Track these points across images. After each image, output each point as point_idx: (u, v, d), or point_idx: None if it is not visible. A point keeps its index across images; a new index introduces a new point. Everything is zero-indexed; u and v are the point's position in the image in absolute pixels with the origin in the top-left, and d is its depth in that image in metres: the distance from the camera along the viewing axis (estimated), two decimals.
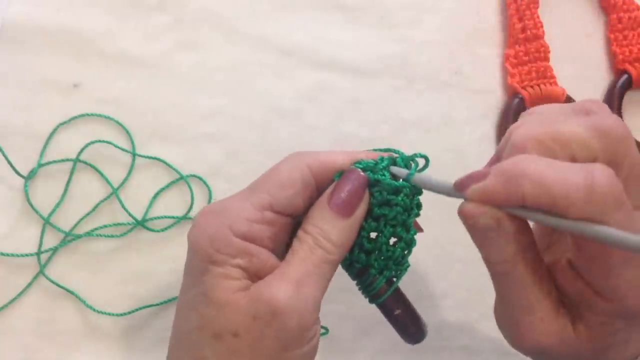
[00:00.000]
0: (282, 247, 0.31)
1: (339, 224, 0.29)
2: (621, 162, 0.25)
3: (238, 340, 0.27)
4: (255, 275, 0.28)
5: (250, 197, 0.29)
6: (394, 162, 0.31)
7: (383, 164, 0.31)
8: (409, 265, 0.33)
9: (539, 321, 0.27)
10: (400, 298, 0.33)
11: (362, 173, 0.30)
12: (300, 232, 0.29)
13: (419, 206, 0.32)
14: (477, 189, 0.25)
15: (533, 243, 0.27)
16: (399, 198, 0.30)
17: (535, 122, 0.26)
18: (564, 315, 0.27)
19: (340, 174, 0.30)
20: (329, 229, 0.29)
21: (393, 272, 0.32)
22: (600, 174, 0.23)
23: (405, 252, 0.32)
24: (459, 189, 0.26)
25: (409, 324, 0.33)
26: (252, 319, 0.27)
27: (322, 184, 0.30)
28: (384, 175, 0.30)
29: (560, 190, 0.23)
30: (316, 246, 0.28)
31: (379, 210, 0.31)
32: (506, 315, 0.28)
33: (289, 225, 0.31)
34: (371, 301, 0.33)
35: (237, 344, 0.27)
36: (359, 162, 0.31)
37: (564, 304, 0.28)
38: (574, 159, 0.25)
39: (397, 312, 0.32)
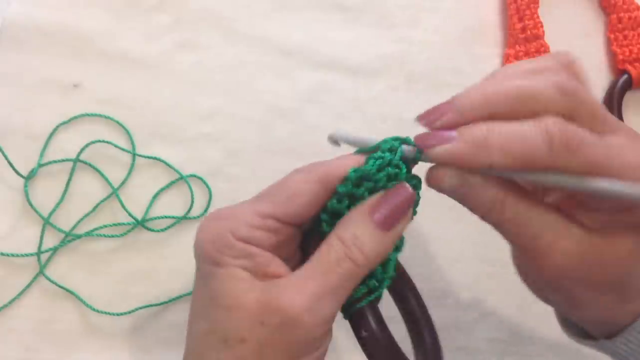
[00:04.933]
0: (288, 257, 0.30)
1: (377, 236, 0.27)
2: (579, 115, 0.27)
3: (244, 347, 0.26)
4: (263, 276, 0.27)
5: (254, 204, 0.28)
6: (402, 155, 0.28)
7: (398, 157, 0.28)
8: (393, 275, 0.29)
9: (553, 241, 0.27)
10: (375, 318, 0.28)
11: (410, 189, 0.28)
12: (331, 237, 0.27)
13: (416, 204, 0.29)
14: (444, 150, 0.26)
15: (508, 181, 0.27)
16: None
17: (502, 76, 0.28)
18: (577, 227, 0.27)
19: (354, 170, 0.28)
20: (365, 240, 0.27)
21: (376, 282, 0.29)
22: (555, 124, 0.25)
23: (392, 257, 0.29)
24: (421, 143, 0.27)
25: (374, 353, 0.28)
26: (259, 325, 0.26)
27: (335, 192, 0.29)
28: (400, 169, 0.28)
29: (526, 150, 0.25)
30: (346, 257, 0.26)
31: None
32: (523, 257, 0.28)
33: (296, 236, 0.30)
34: (345, 315, 0.29)
35: (243, 350, 0.26)
36: (373, 158, 0.28)
37: (574, 220, 0.27)
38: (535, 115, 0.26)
39: (364, 334, 0.28)
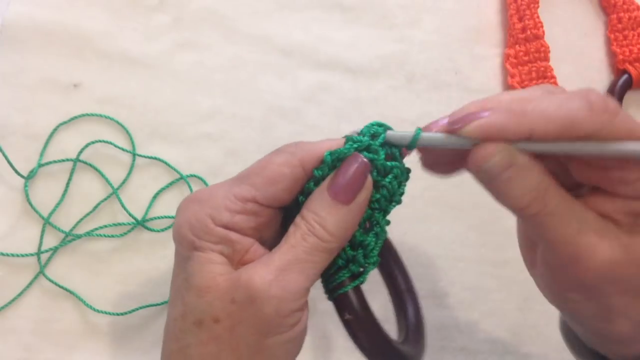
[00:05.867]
0: (272, 236, 0.30)
1: (336, 210, 0.27)
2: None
3: (218, 326, 0.27)
4: (240, 263, 0.28)
5: (234, 187, 0.28)
6: (387, 139, 0.29)
7: (378, 142, 0.28)
8: (377, 260, 0.30)
9: (597, 237, 0.25)
10: (358, 302, 0.28)
11: (364, 159, 0.28)
12: (297, 217, 0.28)
13: (401, 194, 0.30)
14: (481, 124, 0.24)
15: (549, 172, 0.26)
16: (387, 180, 0.28)
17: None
18: (615, 226, 0.26)
19: (329, 153, 0.28)
20: (325, 216, 0.27)
21: (360, 267, 0.29)
22: (593, 93, 0.24)
23: (377, 243, 0.29)
24: (454, 124, 0.25)
25: (358, 334, 0.28)
26: (230, 302, 0.26)
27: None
28: (378, 155, 0.28)
29: (566, 113, 0.24)
30: (309, 233, 0.27)
31: None
32: (558, 258, 0.27)
33: (278, 215, 0.30)
34: (329, 297, 0.29)
35: (217, 329, 0.27)
36: (351, 140, 0.28)
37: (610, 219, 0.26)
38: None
39: (348, 317, 0.28)
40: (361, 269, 0.29)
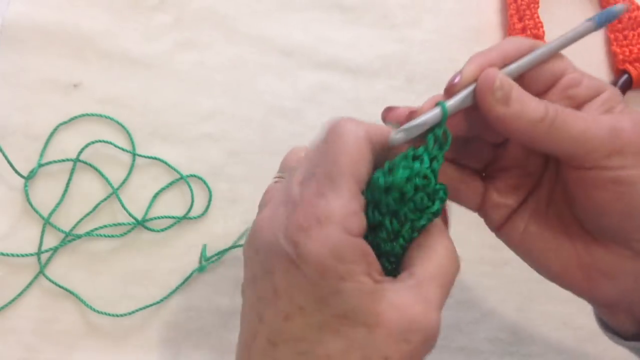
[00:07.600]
0: None
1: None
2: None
3: None
4: (374, 279, 0.26)
5: (336, 186, 0.26)
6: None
7: (427, 167, 0.27)
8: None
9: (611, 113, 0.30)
10: None
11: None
12: (441, 250, 0.29)
13: (439, 212, 0.29)
14: (472, 63, 0.28)
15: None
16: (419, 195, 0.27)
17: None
18: None
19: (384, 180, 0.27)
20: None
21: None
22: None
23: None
24: (452, 82, 0.29)
25: None
26: (404, 342, 0.26)
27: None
28: (429, 180, 0.27)
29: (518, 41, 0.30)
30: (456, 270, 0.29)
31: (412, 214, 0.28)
32: (598, 139, 0.28)
33: None
34: None
35: None
36: (402, 168, 0.27)
37: None
38: None
39: None
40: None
